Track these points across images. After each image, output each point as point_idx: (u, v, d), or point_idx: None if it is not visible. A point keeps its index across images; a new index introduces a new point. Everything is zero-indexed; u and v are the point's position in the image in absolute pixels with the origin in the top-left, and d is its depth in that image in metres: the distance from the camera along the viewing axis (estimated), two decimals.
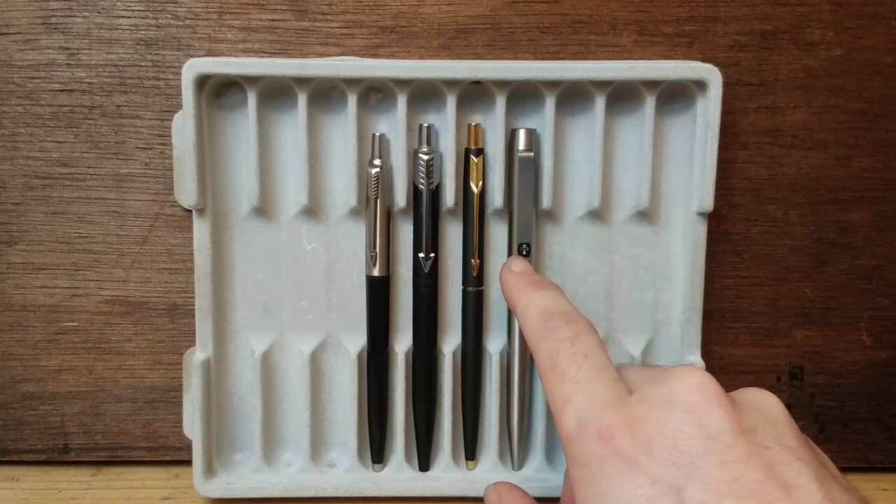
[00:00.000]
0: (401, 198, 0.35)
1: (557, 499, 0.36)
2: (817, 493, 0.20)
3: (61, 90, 0.35)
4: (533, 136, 0.34)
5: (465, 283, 0.35)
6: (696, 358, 0.35)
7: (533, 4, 0.35)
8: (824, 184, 0.37)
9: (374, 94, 0.35)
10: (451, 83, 0.33)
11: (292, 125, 0.34)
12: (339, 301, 0.36)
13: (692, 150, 0.34)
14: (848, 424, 0.38)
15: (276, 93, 0.34)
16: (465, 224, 0.35)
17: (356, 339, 0.36)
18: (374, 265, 0.35)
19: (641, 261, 0.36)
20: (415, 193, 0.35)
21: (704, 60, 0.34)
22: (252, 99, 0.33)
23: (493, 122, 0.34)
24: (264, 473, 0.36)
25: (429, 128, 0.34)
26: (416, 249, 0.35)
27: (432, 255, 0.35)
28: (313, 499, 0.36)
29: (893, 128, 0.37)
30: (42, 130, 0.35)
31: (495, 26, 0.35)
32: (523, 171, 0.34)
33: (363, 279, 0.35)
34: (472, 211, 0.35)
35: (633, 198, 0.35)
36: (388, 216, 0.35)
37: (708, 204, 0.34)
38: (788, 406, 0.38)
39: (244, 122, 0.34)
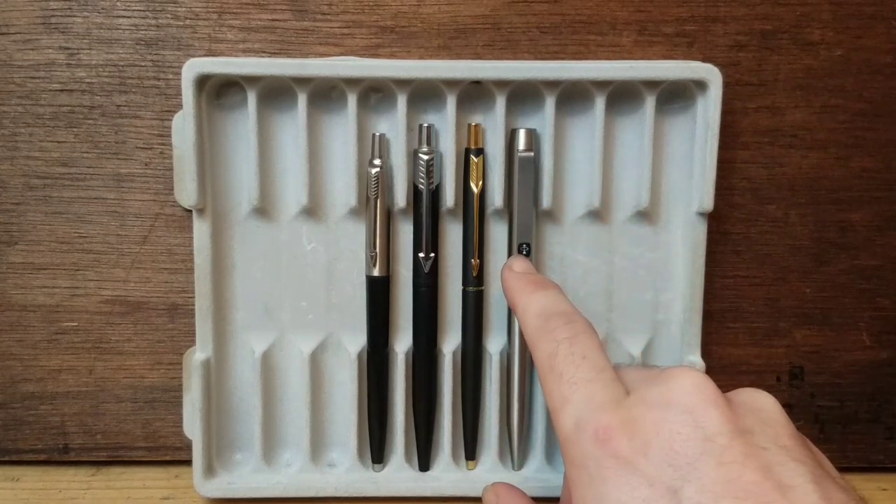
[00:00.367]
0: (401, 198, 0.35)
1: (557, 499, 0.36)
2: (814, 493, 0.20)
3: (61, 90, 0.35)
4: (533, 136, 0.34)
5: (465, 283, 0.35)
6: (696, 358, 0.35)
7: (533, 4, 0.35)
8: (824, 184, 0.37)
9: (374, 94, 0.35)
10: (451, 83, 0.33)
11: (292, 125, 0.34)
12: (339, 301, 0.36)
13: (692, 150, 0.34)
14: (848, 424, 0.38)
15: (276, 93, 0.34)
16: (465, 224, 0.35)
17: (356, 339, 0.36)
18: (374, 265, 0.35)
19: (641, 261, 0.36)
20: (415, 193, 0.35)
21: (704, 60, 0.34)
22: (252, 99, 0.33)
23: (493, 122, 0.34)
24: (264, 473, 0.36)
25: (429, 128, 0.34)
26: (416, 249, 0.35)
27: (432, 255, 0.35)
28: (313, 499, 0.36)
29: (893, 128, 0.37)
30: (42, 130, 0.35)
31: (495, 26, 0.35)
32: (523, 171, 0.34)
33: (363, 279, 0.35)
34: (472, 211, 0.35)
35: (633, 198, 0.35)
36: (388, 216, 0.35)
37: (708, 204, 0.34)
38: (788, 406, 0.38)
39: (244, 122, 0.34)
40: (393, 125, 0.34)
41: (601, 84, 0.33)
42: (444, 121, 0.34)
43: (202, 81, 0.33)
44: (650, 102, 0.34)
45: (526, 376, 0.36)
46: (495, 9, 0.35)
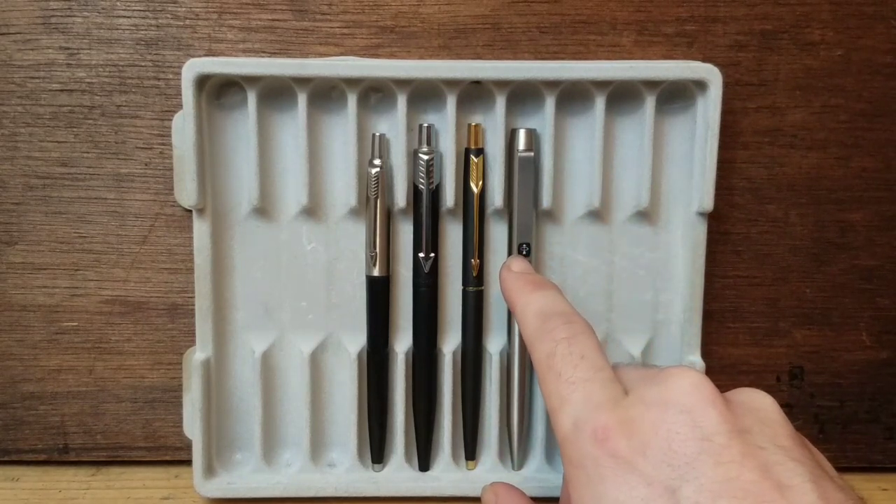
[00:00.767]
0: (401, 198, 0.35)
1: (557, 499, 0.36)
2: (812, 493, 0.20)
3: (61, 90, 0.35)
4: (533, 136, 0.34)
5: (465, 283, 0.35)
6: (696, 358, 0.35)
7: (533, 4, 0.35)
8: (824, 184, 0.37)
9: (374, 94, 0.35)
10: (451, 83, 0.33)
11: (292, 125, 0.34)
12: (339, 301, 0.36)
13: (692, 150, 0.34)
14: (848, 424, 0.38)
15: (276, 93, 0.34)
16: (465, 224, 0.35)
17: (356, 339, 0.36)
18: (374, 265, 0.35)
19: (641, 261, 0.36)
20: (415, 193, 0.35)
21: (704, 60, 0.34)
22: (252, 99, 0.33)
23: (493, 122, 0.34)
24: (264, 473, 0.36)
25: (429, 128, 0.34)
26: (416, 249, 0.35)
27: (432, 255, 0.35)
28: (313, 499, 0.36)
29: (893, 128, 0.37)
30: (42, 130, 0.35)
31: (495, 26, 0.35)
32: (523, 171, 0.34)
33: (363, 279, 0.35)
34: (472, 211, 0.35)
35: (633, 198, 0.35)
36: (388, 216, 0.35)
37: (708, 204, 0.34)
38: (788, 406, 0.38)
39: (244, 122, 0.34)
40: (393, 125, 0.34)
41: (601, 84, 0.33)
42: (444, 121, 0.34)
43: (202, 81, 0.33)
44: (650, 102, 0.34)
45: (526, 376, 0.36)
46: (495, 9, 0.35)
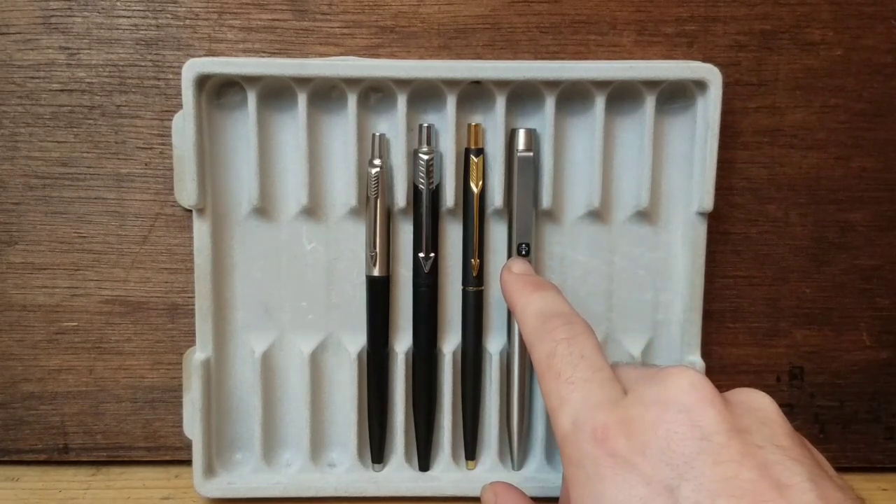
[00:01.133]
0: (401, 198, 0.35)
1: (557, 499, 0.36)
2: (811, 492, 0.20)
3: (61, 90, 0.35)
4: (533, 136, 0.34)
5: (465, 283, 0.35)
6: (696, 358, 0.35)
7: (533, 4, 0.35)
8: (824, 184, 0.37)
9: (374, 94, 0.35)
10: (451, 83, 0.33)
11: (292, 125, 0.34)
12: (339, 301, 0.36)
13: (692, 150, 0.34)
14: (848, 424, 0.38)
15: (276, 93, 0.34)
16: (465, 224, 0.35)
17: (356, 339, 0.36)
18: (374, 265, 0.35)
19: (641, 261, 0.36)
20: (415, 193, 0.35)
21: (704, 60, 0.34)
22: (252, 99, 0.33)
23: (493, 122, 0.34)
24: (264, 473, 0.36)
25: (429, 128, 0.34)
26: (416, 249, 0.35)
27: (432, 255, 0.35)
28: (313, 499, 0.36)
29: (893, 128, 0.37)
30: (42, 130, 0.35)
31: (495, 26, 0.35)
32: (523, 171, 0.34)
33: (363, 279, 0.35)
34: (472, 211, 0.35)
35: (633, 198, 0.35)
36: (388, 216, 0.35)
37: (708, 204, 0.34)
38: (788, 406, 0.38)
39: (244, 122, 0.34)
40: (393, 125, 0.34)
41: (601, 84, 0.33)
42: (444, 121, 0.34)
43: (202, 81, 0.33)
44: (650, 102, 0.34)
45: (526, 376, 0.36)
46: (495, 9, 0.35)
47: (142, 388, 0.37)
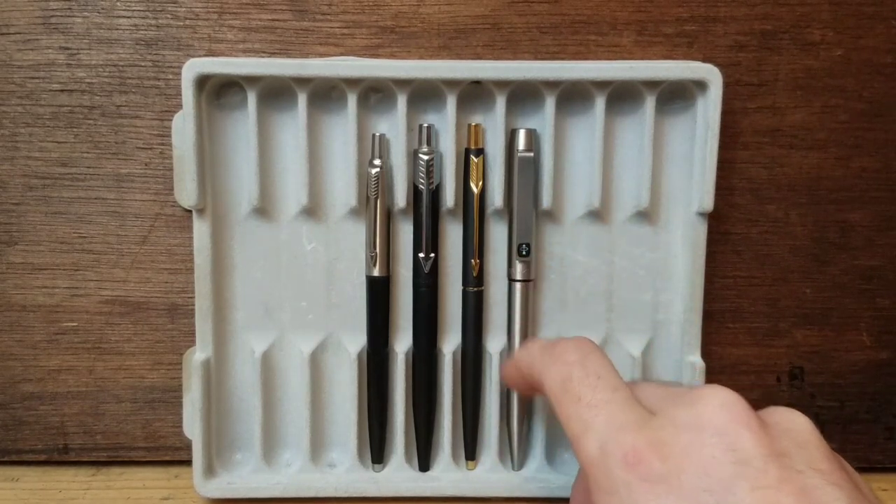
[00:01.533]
0: (401, 198, 0.35)
1: (557, 499, 0.36)
2: None
3: (61, 90, 0.35)
4: (533, 136, 0.34)
5: (465, 283, 0.35)
6: (696, 358, 0.35)
7: (533, 4, 0.35)
8: (824, 184, 0.37)
9: (374, 94, 0.35)
10: (451, 83, 0.33)
11: (292, 125, 0.34)
12: (339, 301, 0.36)
13: (692, 150, 0.34)
14: (848, 424, 0.38)
15: (276, 93, 0.34)
16: (465, 224, 0.35)
17: (356, 339, 0.36)
18: (374, 265, 0.35)
19: (641, 261, 0.36)
20: (415, 193, 0.35)
21: (704, 60, 0.34)
22: (252, 99, 0.33)
23: (493, 122, 0.34)
24: (264, 473, 0.36)
25: (429, 128, 0.34)
26: (416, 249, 0.35)
27: (432, 255, 0.35)
28: (313, 499, 0.36)
29: (893, 128, 0.37)
30: (42, 130, 0.35)
31: (495, 26, 0.35)
32: (523, 171, 0.34)
33: (363, 279, 0.35)
34: (472, 211, 0.35)
35: (633, 198, 0.35)
36: (388, 216, 0.35)
37: (708, 204, 0.34)
38: (788, 406, 0.38)
39: (244, 122, 0.34)
40: (393, 125, 0.34)
41: (601, 84, 0.33)
42: (444, 121, 0.34)
43: (202, 81, 0.33)
44: (650, 102, 0.34)
45: None
46: (495, 9, 0.35)
47: (142, 388, 0.37)
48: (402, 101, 0.34)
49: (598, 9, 0.35)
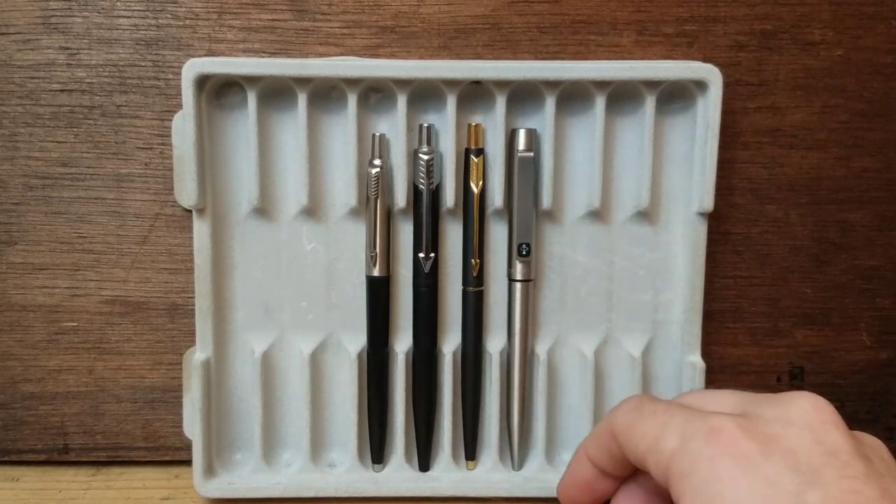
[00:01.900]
0: (401, 198, 0.35)
1: (557, 499, 0.36)
2: None
3: (61, 90, 0.35)
4: (533, 136, 0.34)
5: (465, 283, 0.35)
6: (697, 358, 0.35)
7: (533, 4, 0.35)
8: (824, 184, 0.37)
9: (374, 94, 0.35)
10: (451, 83, 0.33)
11: (292, 125, 0.34)
12: (339, 301, 0.36)
13: (692, 150, 0.34)
14: (848, 424, 0.38)
15: (276, 93, 0.34)
16: (465, 224, 0.35)
17: (356, 339, 0.36)
18: (374, 265, 0.35)
19: (641, 261, 0.36)
20: (415, 193, 0.35)
21: (704, 60, 0.34)
22: (252, 99, 0.33)
23: (493, 122, 0.34)
24: (264, 473, 0.36)
25: (429, 128, 0.34)
26: (416, 249, 0.35)
27: (432, 255, 0.35)
28: (313, 499, 0.36)
29: (893, 128, 0.37)
30: (42, 130, 0.35)
31: (495, 26, 0.35)
32: (523, 171, 0.34)
33: (363, 279, 0.35)
34: (472, 211, 0.35)
35: (633, 198, 0.35)
36: (388, 216, 0.35)
37: (708, 204, 0.34)
38: None
39: (244, 122, 0.34)
40: (393, 125, 0.34)
41: (601, 84, 0.33)
42: (444, 121, 0.34)
43: (202, 81, 0.33)
44: (650, 102, 0.34)
45: (526, 376, 0.36)
46: (495, 9, 0.35)
47: (142, 388, 0.37)
48: (402, 101, 0.34)
49: (598, 9, 0.35)
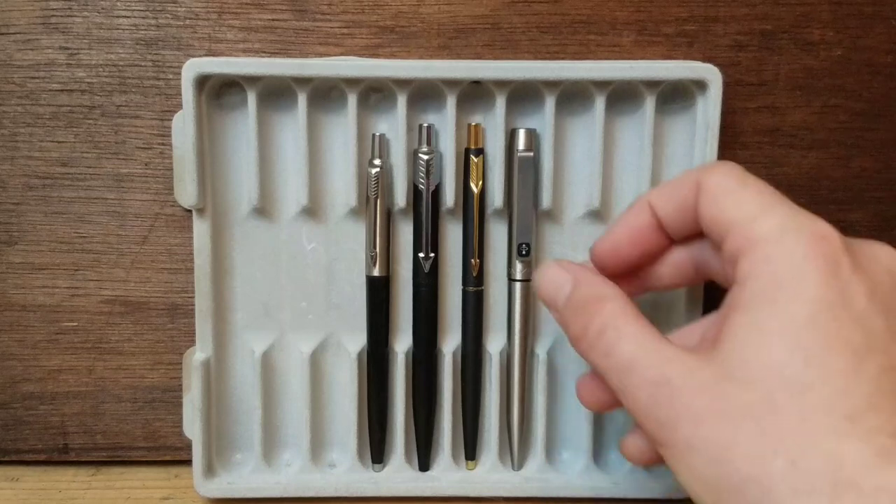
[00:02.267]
0: (401, 198, 0.35)
1: (557, 499, 0.36)
2: None
3: (61, 90, 0.35)
4: (533, 136, 0.34)
5: (465, 283, 0.35)
6: None
7: (533, 4, 0.35)
8: (824, 184, 0.37)
9: (374, 94, 0.35)
10: (451, 83, 0.33)
11: (292, 125, 0.34)
12: (339, 301, 0.36)
13: (692, 150, 0.34)
14: None
15: (276, 93, 0.34)
16: (465, 224, 0.35)
17: (356, 339, 0.36)
18: (374, 265, 0.35)
19: None
20: (415, 193, 0.35)
21: (704, 60, 0.34)
22: (252, 99, 0.33)
23: (493, 122, 0.34)
24: (264, 473, 0.36)
25: (429, 128, 0.34)
26: (416, 249, 0.35)
27: (432, 255, 0.35)
28: (313, 499, 0.36)
29: (893, 128, 0.37)
30: (42, 130, 0.35)
31: (495, 26, 0.35)
32: (523, 171, 0.34)
33: (363, 279, 0.35)
34: (472, 211, 0.35)
35: (633, 198, 0.35)
36: (388, 216, 0.35)
37: None
38: None
39: (244, 122, 0.34)
40: (393, 125, 0.34)
41: (601, 84, 0.33)
42: (444, 121, 0.34)
43: (202, 81, 0.33)
44: (650, 102, 0.34)
45: (526, 376, 0.36)
46: (495, 9, 0.35)
47: (142, 388, 0.37)
48: (402, 101, 0.34)
49: (598, 9, 0.35)
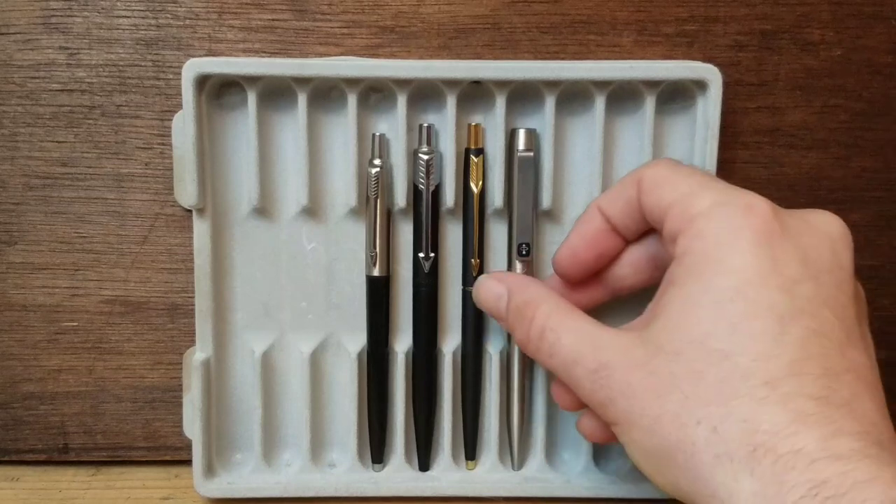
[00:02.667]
0: (401, 198, 0.35)
1: (557, 499, 0.36)
2: None
3: (61, 90, 0.35)
4: (533, 136, 0.34)
5: (465, 283, 0.35)
6: None
7: (533, 4, 0.35)
8: (824, 184, 0.37)
9: (374, 94, 0.35)
10: (451, 83, 0.33)
11: (292, 125, 0.34)
12: (339, 301, 0.36)
13: (692, 150, 0.34)
14: None
15: (276, 93, 0.34)
16: (465, 224, 0.35)
17: (356, 339, 0.36)
18: (374, 265, 0.35)
19: None
20: (415, 193, 0.35)
21: (704, 60, 0.34)
22: (252, 99, 0.33)
23: (493, 122, 0.34)
24: (264, 473, 0.36)
25: (429, 128, 0.34)
26: (416, 249, 0.35)
27: (432, 255, 0.35)
28: (313, 499, 0.36)
29: (893, 128, 0.37)
30: (42, 130, 0.35)
31: (495, 26, 0.35)
32: (523, 171, 0.34)
33: (363, 279, 0.35)
34: (472, 211, 0.35)
35: None
36: (388, 216, 0.35)
37: None
38: None
39: (244, 122, 0.34)
40: (393, 125, 0.34)
41: (601, 84, 0.33)
42: (444, 121, 0.34)
43: (202, 81, 0.33)
44: (650, 102, 0.34)
45: (526, 376, 0.36)
46: (495, 9, 0.35)
47: (142, 388, 0.37)
48: (402, 101, 0.34)
49: (598, 9, 0.35)
